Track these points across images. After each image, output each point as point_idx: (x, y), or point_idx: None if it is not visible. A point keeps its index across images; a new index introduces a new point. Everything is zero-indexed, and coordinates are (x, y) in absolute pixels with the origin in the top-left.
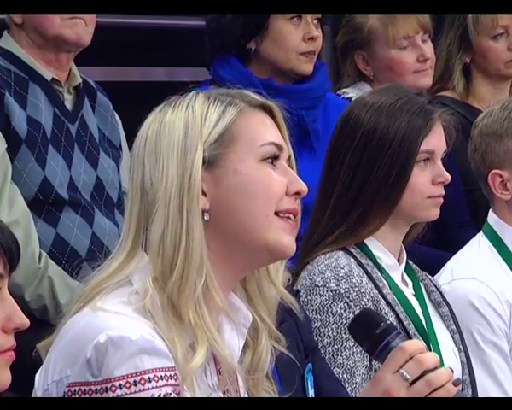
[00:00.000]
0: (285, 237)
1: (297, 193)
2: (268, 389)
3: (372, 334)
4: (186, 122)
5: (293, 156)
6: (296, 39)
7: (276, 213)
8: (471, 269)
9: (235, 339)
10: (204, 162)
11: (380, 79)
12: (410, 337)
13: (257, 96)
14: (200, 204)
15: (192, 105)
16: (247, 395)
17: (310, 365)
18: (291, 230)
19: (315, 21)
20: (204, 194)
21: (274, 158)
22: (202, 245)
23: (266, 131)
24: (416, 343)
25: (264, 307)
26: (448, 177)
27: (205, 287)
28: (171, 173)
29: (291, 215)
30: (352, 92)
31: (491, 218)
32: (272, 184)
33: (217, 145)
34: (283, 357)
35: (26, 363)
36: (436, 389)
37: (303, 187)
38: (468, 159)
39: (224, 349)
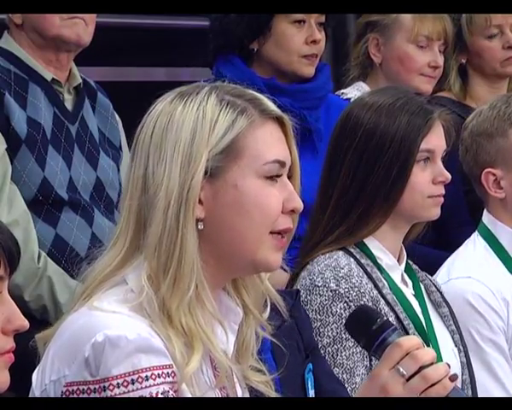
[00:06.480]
0: (273, 256)
1: (292, 211)
2: (255, 369)
3: (368, 330)
4: (195, 127)
5: (297, 165)
6: (299, 42)
7: (270, 232)
8: (467, 268)
9: (228, 336)
10: (206, 173)
11: (385, 69)
12: None
13: (271, 105)
14: (196, 213)
15: (203, 106)
16: (241, 391)
17: (310, 365)
18: (281, 247)
19: (318, 24)
20: (201, 202)
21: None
22: (194, 255)
23: (272, 148)
24: (413, 339)
25: (251, 298)
26: (448, 176)
27: (197, 293)
28: (173, 178)
29: (284, 234)
30: (350, 93)
31: (486, 217)
32: (269, 205)
33: (221, 157)
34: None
35: (25, 363)
36: (433, 385)
37: (298, 205)
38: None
39: (219, 353)
